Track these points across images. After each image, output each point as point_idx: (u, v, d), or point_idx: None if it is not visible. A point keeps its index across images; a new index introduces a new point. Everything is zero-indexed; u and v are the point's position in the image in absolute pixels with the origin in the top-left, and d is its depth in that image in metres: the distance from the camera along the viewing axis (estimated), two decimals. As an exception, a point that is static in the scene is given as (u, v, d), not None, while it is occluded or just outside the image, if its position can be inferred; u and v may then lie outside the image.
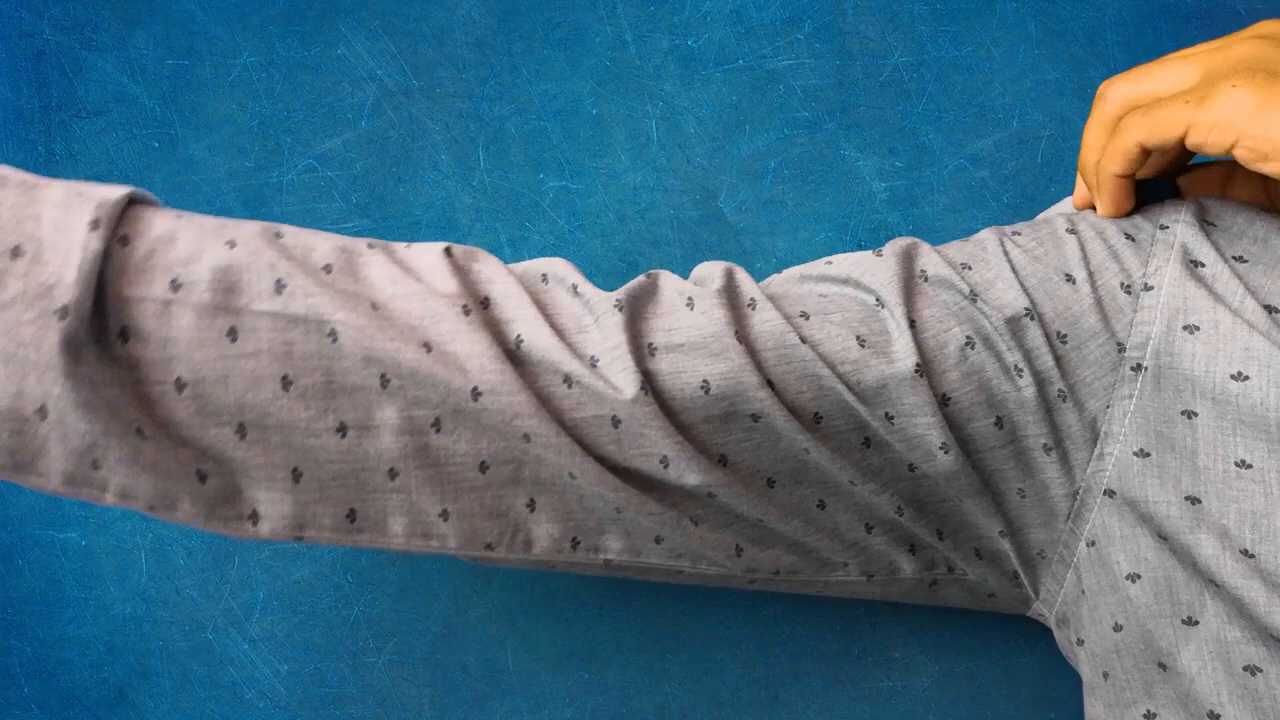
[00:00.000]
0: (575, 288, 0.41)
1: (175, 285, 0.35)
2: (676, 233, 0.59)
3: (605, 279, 0.59)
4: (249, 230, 0.38)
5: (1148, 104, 0.40)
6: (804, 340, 0.40)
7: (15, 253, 0.33)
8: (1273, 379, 0.37)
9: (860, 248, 0.59)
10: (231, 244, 0.37)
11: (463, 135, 0.60)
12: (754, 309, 0.41)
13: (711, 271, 0.43)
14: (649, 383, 0.39)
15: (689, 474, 0.39)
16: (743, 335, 0.40)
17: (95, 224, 0.34)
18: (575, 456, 0.38)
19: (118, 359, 0.35)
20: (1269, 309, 0.38)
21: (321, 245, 0.39)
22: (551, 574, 0.59)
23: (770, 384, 0.39)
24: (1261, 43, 0.38)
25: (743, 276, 0.42)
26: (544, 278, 0.42)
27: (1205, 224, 0.41)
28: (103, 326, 0.35)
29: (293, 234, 0.39)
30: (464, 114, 0.60)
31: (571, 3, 0.60)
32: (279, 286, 0.36)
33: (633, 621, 0.58)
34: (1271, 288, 0.39)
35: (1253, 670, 0.37)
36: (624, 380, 0.38)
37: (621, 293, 0.41)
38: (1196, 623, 0.39)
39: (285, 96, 0.60)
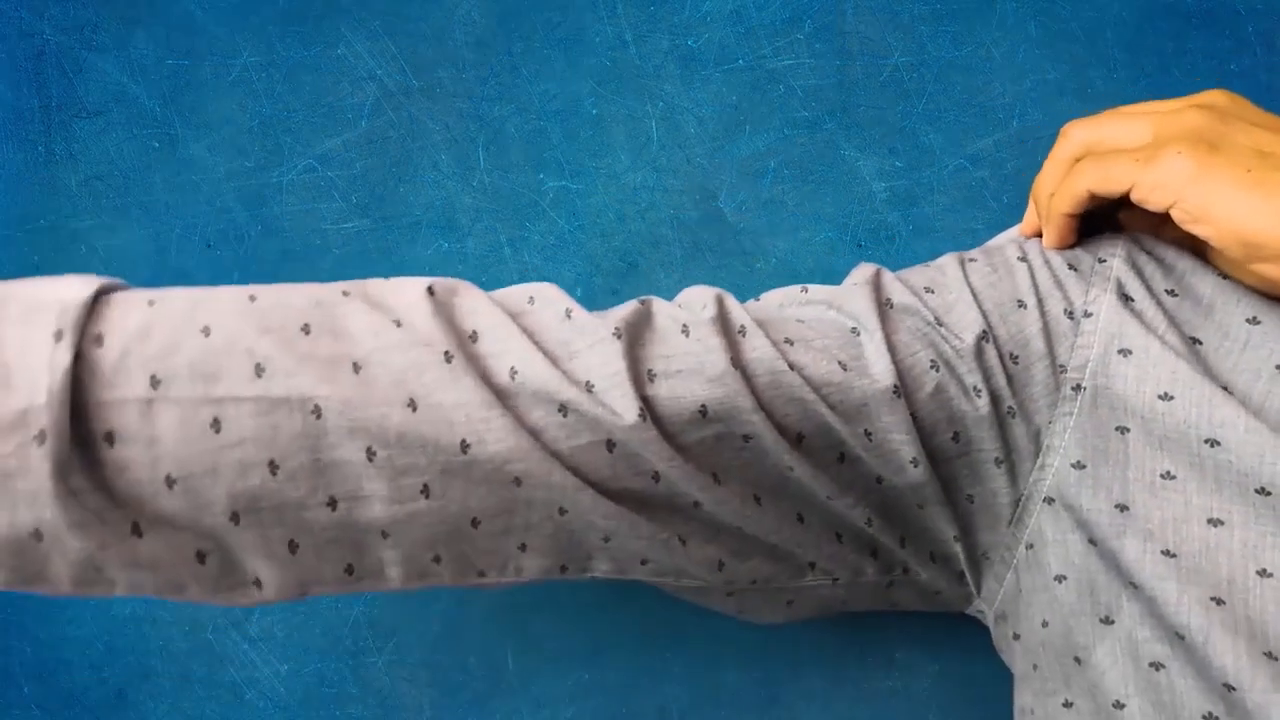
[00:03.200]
0: (569, 312, 0.42)
1: (155, 381, 0.35)
2: (676, 233, 0.59)
3: (605, 279, 0.59)
4: (223, 306, 0.38)
5: (1102, 152, 0.43)
6: (791, 366, 0.42)
7: None
8: (1193, 400, 0.40)
9: (860, 248, 0.59)
10: (206, 331, 0.37)
11: (463, 135, 0.60)
12: (744, 336, 0.43)
13: (702, 297, 0.44)
14: (648, 408, 0.40)
15: (680, 487, 0.41)
16: (737, 362, 0.41)
17: (59, 335, 0.34)
18: (568, 491, 0.40)
19: (106, 463, 0.35)
20: (1192, 340, 0.42)
21: (297, 302, 0.39)
22: (551, 574, 0.59)
23: (762, 407, 0.41)
24: (1207, 112, 0.41)
25: (732, 303, 0.44)
26: (530, 299, 0.43)
27: (1136, 261, 0.45)
28: (88, 432, 0.34)
29: (266, 295, 0.39)
30: (464, 114, 0.60)
31: (571, 3, 0.60)
32: (259, 370, 0.37)
33: (633, 621, 0.58)
34: (1195, 322, 0.43)
35: (1157, 666, 0.40)
36: (624, 405, 0.39)
37: (619, 320, 0.42)
38: (1113, 622, 0.42)
39: (285, 96, 0.60)
